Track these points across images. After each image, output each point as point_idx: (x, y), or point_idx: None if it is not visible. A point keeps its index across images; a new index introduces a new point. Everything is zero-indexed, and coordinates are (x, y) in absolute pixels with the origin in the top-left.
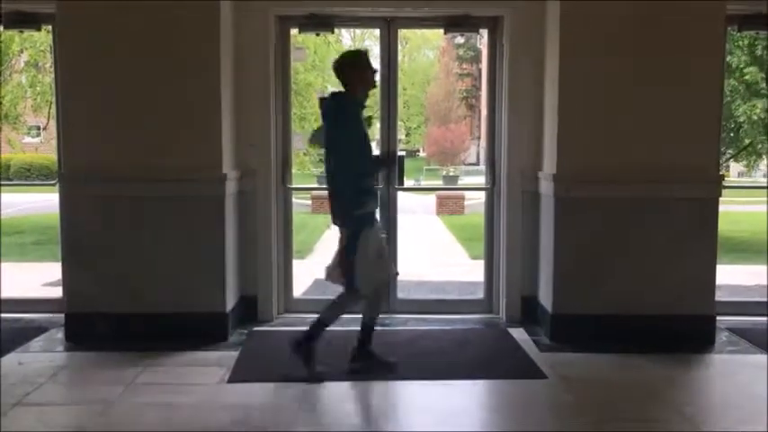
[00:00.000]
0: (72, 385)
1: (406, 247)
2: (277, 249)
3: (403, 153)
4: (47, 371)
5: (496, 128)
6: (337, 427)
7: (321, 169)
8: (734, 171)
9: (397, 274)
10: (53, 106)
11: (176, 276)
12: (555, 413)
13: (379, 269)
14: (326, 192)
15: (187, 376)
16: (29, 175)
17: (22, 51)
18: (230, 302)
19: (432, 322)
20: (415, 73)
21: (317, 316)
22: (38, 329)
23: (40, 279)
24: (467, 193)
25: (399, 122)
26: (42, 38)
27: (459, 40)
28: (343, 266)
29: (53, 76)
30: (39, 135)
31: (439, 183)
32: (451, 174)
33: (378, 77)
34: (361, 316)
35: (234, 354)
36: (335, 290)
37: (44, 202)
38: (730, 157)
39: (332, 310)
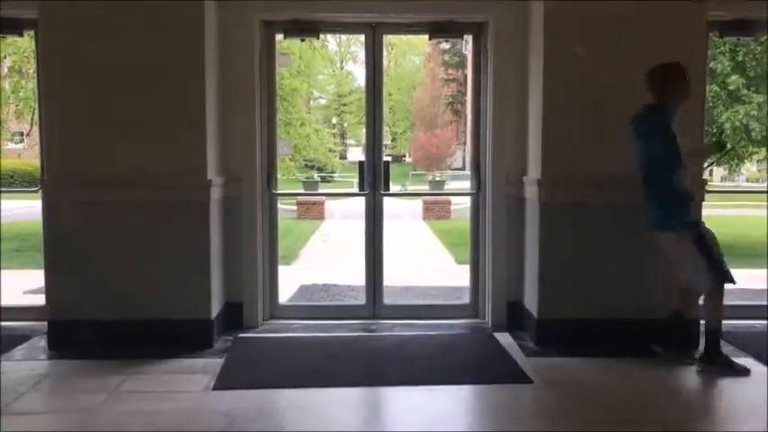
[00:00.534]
0: (55, 394)
1: (393, 253)
2: (262, 255)
3: (388, 158)
4: (29, 379)
5: (482, 133)
6: None
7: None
8: (717, 175)
9: None
10: (36, 112)
11: (160, 283)
12: (541, 417)
13: None
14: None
15: (172, 384)
16: (12, 182)
17: (5, 57)
18: (215, 309)
19: (418, 327)
20: (401, 78)
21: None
22: (20, 338)
23: (22, 286)
24: (453, 198)
25: (385, 128)
26: (25, 43)
27: (445, 45)
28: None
29: (36, 81)
30: (22, 141)
31: (425, 188)
32: (437, 179)
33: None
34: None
35: (219, 361)
36: (320, 297)
37: (26, 209)
38: (713, 162)
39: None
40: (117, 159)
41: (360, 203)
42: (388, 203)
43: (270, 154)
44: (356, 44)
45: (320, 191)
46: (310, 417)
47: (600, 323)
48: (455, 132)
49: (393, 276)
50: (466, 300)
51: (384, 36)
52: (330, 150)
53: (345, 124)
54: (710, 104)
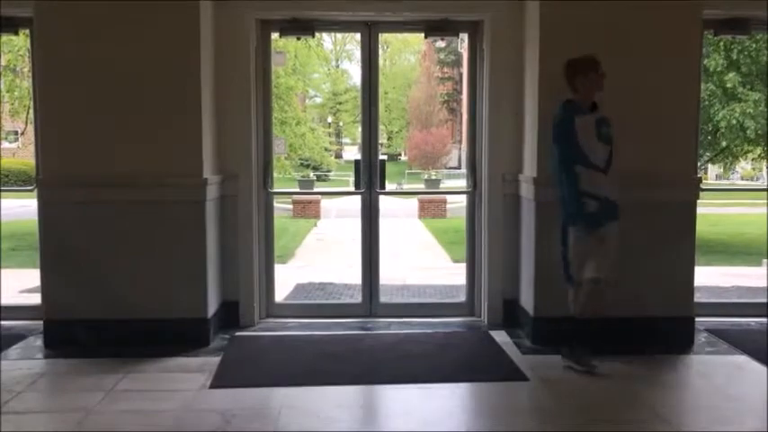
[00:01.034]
0: (51, 393)
1: (389, 251)
2: (258, 254)
3: (384, 157)
4: (25, 379)
5: (477, 131)
6: None
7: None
8: (711, 174)
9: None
10: (31, 111)
11: (157, 282)
12: (536, 415)
13: None
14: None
15: (168, 382)
16: (7, 181)
17: None
18: (212, 308)
19: (414, 326)
20: (397, 77)
21: None
22: (16, 337)
23: (18, 286)
24: (448, 197)
25: (381, 126)
26: (20, 42)
27: (441, 44)
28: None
29: (31, 80)
30: (17, 140)
31: (421, 186)
32: (433, 177)
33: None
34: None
35: (215, 359)
36: (316, 296)
37: (21, 208)
38: (708, 160)
39: None
40: (112, 158)
41: (355, 202)
42: (384, 202)
43: (265, 153)
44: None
45: (316, 190)
46: (306, 415)
47: (595, 321)
48: (450, 131)
49: (389, 275)
50: (462, 298)
51: (380, 34)
52: (326, 149)
53: (341, 123)
54: (706, 103)
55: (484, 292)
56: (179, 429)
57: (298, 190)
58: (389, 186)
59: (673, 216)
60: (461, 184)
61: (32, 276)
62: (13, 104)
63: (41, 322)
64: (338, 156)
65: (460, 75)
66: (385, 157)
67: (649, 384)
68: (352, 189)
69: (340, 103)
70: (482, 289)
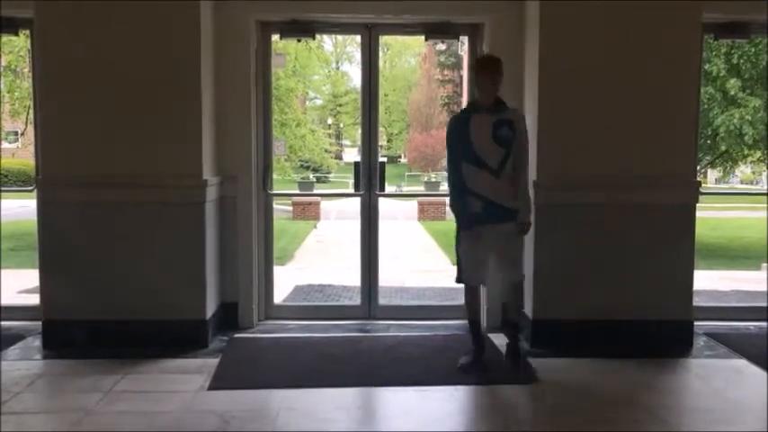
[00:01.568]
0: (50, 394)
1: (388, 254)
2: (258, 255)
3: (384, 159)
4: (24, 379)
5: None
6: None
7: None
8: (711, 177)
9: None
10: (31, 111)
11: (156, 283)
12: (535, 418)
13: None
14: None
15: (167, 384)
16: (6, 181)
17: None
18: (210, 309)
19: (413, 328)
20: (397, 79)
21: None
22: (15, 337)
23: (16, 286)
24: (448, 199)
25: (381, 128)
26: (21, 42)
27: (441, 46)
28: None
29: (31, 80)
30: (17, 140)
31: (420, 189)
32: (433, 180)
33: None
34: None
35: (214, 361)
36: (315, 298)
37: (21, 209)
38: (707, 164)
39: None
40: (112, 159)
41: (355, 204)
42: (384, 204)
43: (265, 154)
44: (352, 45)
45: (315, 191)
46: (305, 417)
47: (594, 324)
48: None
49: (388, 277)
50: (461, 301)
51: (380, 37)
52: (326, 151)
53: (341, 125)
54: (705, 106)
55: (482, 295)
56: (178, 430)
57: (297, 192)
58: (389, 188)
59: (672, 219)
60: None
61: (31, 277)
62: (13, 105)
63: (40, 323)
64: (338, 157)
65: (461, 77)
66: (385, 159)
67: (648, 387)
68: (351, 191)
69: (340, 105)
70: (481, 292)
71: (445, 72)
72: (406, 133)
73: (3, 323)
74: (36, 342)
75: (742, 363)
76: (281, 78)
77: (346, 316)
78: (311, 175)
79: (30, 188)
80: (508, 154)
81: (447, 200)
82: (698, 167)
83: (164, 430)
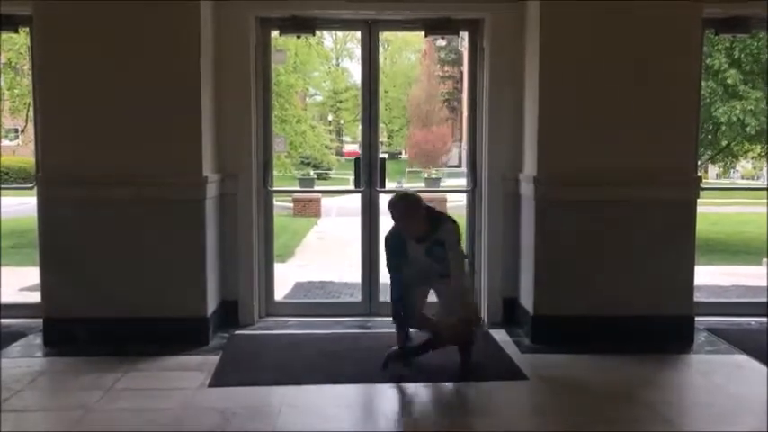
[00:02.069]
0: (51, 391)
1: None
2: (258, 252)
3: (384, 156)
4: (25, 377)
5: (477, 130)
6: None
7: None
8: (712, 173)
9: None
10: (31, 109)
11: (156, 280)
12: (536, 414)
13: None
14: None
15: (167, 381)
16: (7, 179)
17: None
18: (211, 306)
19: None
20: (397, 75)
21: None
22: (16, 335)
23: (17, 284)
24: (449, 196)
25: (381, 125)
26: (21, 40)
27: (441, 42)
28: None
29: (31, 78)
30: (17, 138)
31: (421, 185)
32: (433, 176)
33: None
34: None
35: (215, 358)
36: (316, 295)
37: (21, 206)
38: (708, 159)
39: None
40: (112, 156)
41: (356, 201)
42: (384, 201)
43: (265, 151)
44: (352, 41)
45: (316, 188)
46: (306, 414)
47: (595, 319)
48: (451, 129)
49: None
50: None
51: (380, 33)
52: (326, 147)
53: (341, 121)
54: (707, 100)
55: (483, 291)
56: (178, 428)
57: (298, 188)
58: (390, 185)
59: (673, 215)
60: (461, 182)
61: (32, 274)
62: (13, 102)
63: (41, 320)
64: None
65: (461, 73)
66: (385, 156)
67: (649, 383)
68: (352, 187)
69: (340, 102)
70: (482, 288)
71: (445, 68)
72: (406, 129)
73: (3, 321)
74: (37, 339)
75: (743, 358)
76: (281, 75)
77: (347, 313)
78: (312, 172)
79: (30, 185)
80: (447, 266)
81: (448, 196)
82: (699, 163)
83: (164, 428)
